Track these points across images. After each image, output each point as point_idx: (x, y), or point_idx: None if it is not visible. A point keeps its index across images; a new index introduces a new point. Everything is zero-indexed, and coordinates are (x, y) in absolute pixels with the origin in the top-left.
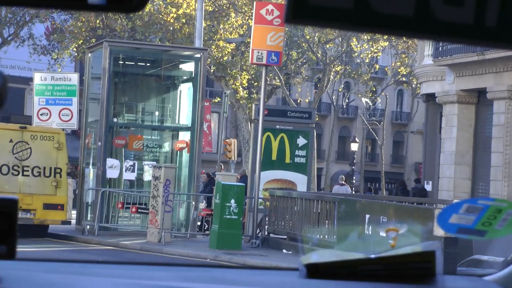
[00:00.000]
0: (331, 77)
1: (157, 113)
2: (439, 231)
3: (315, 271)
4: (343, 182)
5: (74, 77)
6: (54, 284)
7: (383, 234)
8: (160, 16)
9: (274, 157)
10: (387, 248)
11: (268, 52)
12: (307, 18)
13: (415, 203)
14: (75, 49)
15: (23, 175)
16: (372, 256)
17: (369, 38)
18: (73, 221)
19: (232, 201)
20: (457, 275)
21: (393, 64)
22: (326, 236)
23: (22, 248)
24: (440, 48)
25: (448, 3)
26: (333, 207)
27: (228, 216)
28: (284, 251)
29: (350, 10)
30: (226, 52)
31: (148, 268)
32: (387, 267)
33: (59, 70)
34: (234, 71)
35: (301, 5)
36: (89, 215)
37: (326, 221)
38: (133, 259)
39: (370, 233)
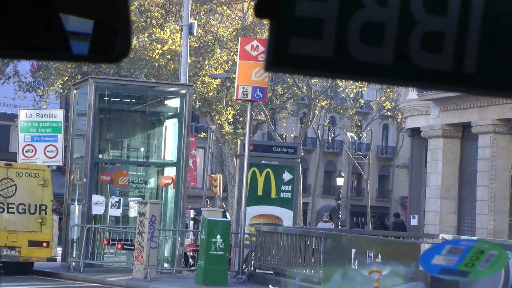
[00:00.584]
0: (317, 112)
1: (142, 149)
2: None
3: None
4: (327, 219)
5: (60, 114)
6: None
7: (367, 274)
8: (146, 52)
9: (260, 192)
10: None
11: (253, 88)
12: (287, 66)
13: (401, 238)
14: (60, 86)
15: (8, 212)
16: None
17: None
18: (59, 258)
19: (218, 236)
20: None
21: (378, 99)
22: (313, 271)
23: (7, 287)
24: None
25: (427, 51)
26: (319, 242)
27: (214, 252)
28: (271, 286)
29: (329, 58)
30: (211, 88)
31: None
32: None
33: (45, 106)
34: (219, 106)
35: (281, 54)
36: (74, 252)
37: (312, 257)
38: None
39: (356, 267)
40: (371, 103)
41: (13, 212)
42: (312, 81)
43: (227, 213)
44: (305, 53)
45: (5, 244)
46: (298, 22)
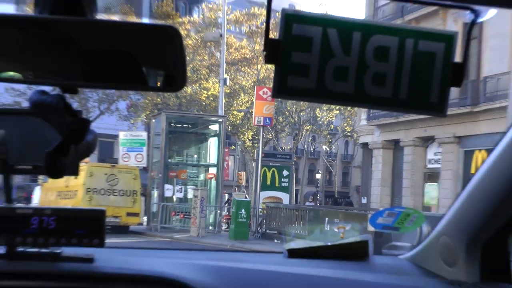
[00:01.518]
0: (304, 133)
1: (195, 156)
2: (370, 228)
3: (293, 253)
4: (311, 200)
5: (144, 134)
6: (128, 262)
7: (336, 230)
8: (197, 95)
9: (268, 182)
10: (338, 238)
11: (264, 118)
12: (286, 94)
13: (356, 211)
14: (144, 117)
15: (113, 195)
16: (329, 243)
17: (327, 108)
18: (145, 223)
19: (243, 210)
20: (382, 255)
21: (342, 124)
22: (301, 232)
23: (111, 240)
24: (371, 114)
25: (376, 85)
26: (305, 214)
27: (240, 220)
28: (275, 241)
29: (313, 89)
30: (238, 118)
31: (189, 252)
32: (338, 250)
33: (135, 130)
34: (243, 129)
35: (282, 86)
36: (154, 219)
37: (301, 222)
38: (181, 247)
39: (328, 229)
40: (338, 127)
41: (116, 195)
42: (301, 113)
43: (247, 196)
44: (298, 86)
45: (112, 215)
46: (293, 66)
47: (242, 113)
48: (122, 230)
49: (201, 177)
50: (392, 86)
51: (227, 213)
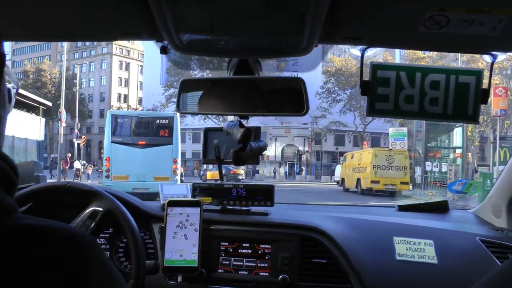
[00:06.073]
0: None
1: (446, 141)
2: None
3: (401, 208)
4: None
5: (405, 129)
6: (288, 215)
7: (426, 193)
8: None
9: (502, 159)
10: (428, 198)
11: (500, 110)
12: (375, 114)
13: None
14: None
15: (391, 170)
16: (421, 202)
17: None
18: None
19: (488, 180)
20: (456, 209)
21: None
22: None
23: (388, 203)
24: None
25: (432, 105)
26: None
27: (486, 188)
28: None
29: (392, 110)
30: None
31: (332, 207)
32: (430, 206)
33: (397, 127)
34: None
35: (372, 109)
36: (417, 187)
37: None
38: None
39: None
40: None
41: (393, 170)
42: None
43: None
44: (382, 108)
45: (390, 183)
46: (378, 96)
47: None
48: (395, 194)
49: (451, 155)
50: (443, 105)
51: None
